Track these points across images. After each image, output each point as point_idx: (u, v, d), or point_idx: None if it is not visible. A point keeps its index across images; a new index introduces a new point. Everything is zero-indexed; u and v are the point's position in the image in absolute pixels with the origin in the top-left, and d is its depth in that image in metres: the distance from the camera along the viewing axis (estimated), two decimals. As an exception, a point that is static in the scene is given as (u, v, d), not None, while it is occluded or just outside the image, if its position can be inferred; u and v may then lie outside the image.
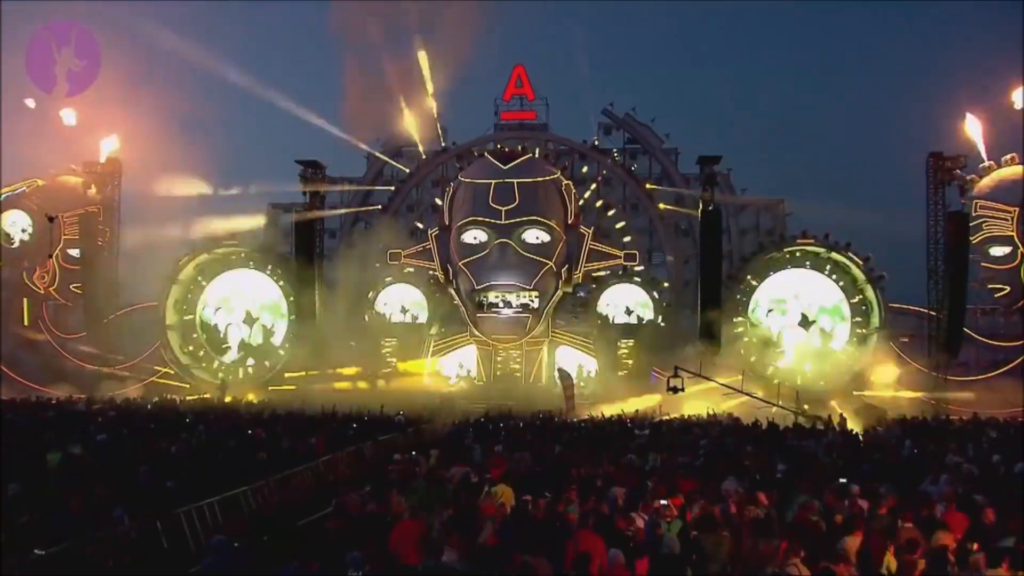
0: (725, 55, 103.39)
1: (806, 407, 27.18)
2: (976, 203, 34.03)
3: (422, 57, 38.12)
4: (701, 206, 35.40)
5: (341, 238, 41.14)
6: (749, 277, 35.96)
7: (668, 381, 27.32)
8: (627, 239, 39.05)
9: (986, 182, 34.36)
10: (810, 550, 7.34)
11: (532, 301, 35.38)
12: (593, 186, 40.01)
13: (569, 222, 36.28)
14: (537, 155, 38.59)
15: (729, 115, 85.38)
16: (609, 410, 28.22)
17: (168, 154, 37.36)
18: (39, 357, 38.40)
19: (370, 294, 38.53)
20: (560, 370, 34.59)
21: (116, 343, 37.47)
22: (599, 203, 39.94)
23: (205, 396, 33.82)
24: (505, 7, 58.40)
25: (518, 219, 34.97)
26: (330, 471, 15.64)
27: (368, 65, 35.70)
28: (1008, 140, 34.97)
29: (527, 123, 41.20)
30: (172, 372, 37.68)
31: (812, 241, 35.71)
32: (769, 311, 36.01)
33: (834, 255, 35.48)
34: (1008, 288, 34.49)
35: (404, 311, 38.82)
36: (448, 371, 37.90)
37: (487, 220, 35.20)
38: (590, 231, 37.15)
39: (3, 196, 38.84)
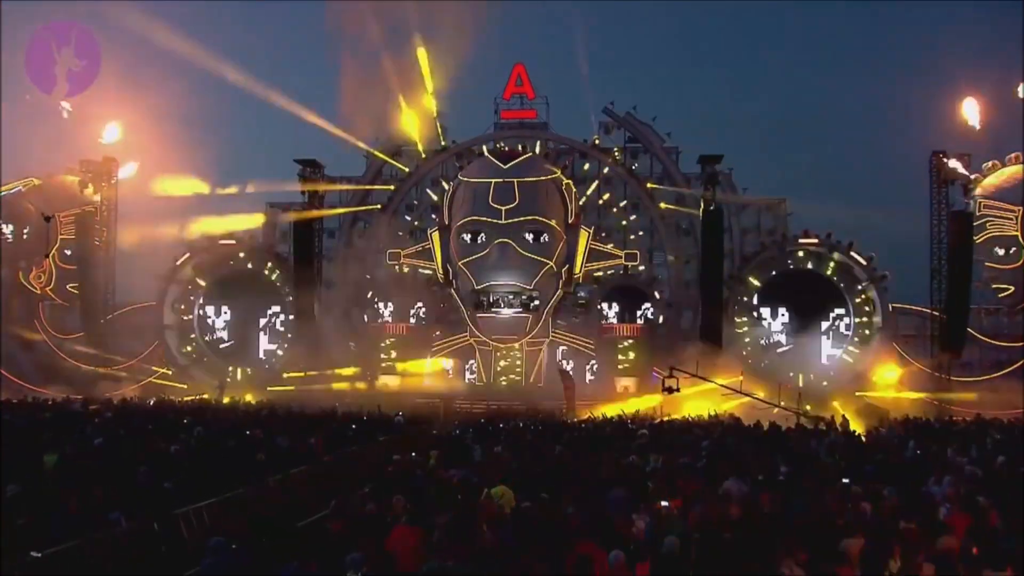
0: (726, 54, 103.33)
1: (808, 408, 27.06)
2: (980, 202, 33.95)
3: (421, 55, 37.99)
4: (702, 205, 35.38)
5: (340, 238, 41.07)
6: (751, 277, 35.92)
7: (663, 381, 27.24)
8: (628, 239, 38.98)
9: (990, 181, 34.28)
10: (812, 552, 7.29)
11: (532, 301, 35.32)
12: (594, 185, 39.94)
13: (569, 222, 36.21)
14: (537, 154, 38.54)
15: (731, 114, 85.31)
16: (610, 410, 28.14)
17: (166, 153, 37.26)
18: (35, 357, 38.33)
19: (369, 294, 38.45)
20: (561, 370, 34.53)
21: (113, 343, 37.40)
22: (600, 202, 39.88)
23: (203, 396, 33.72)
24: (505, 5, 58.26)
25: (518, 219, 34.88)
26: (329, 472, 15.54)
27: (367, 63, 35.58)
28: (1010, 139, 34.95)
29: (527, 122, 41.06)
30: (170, 372, 37.62)
31: (814, 241, 35.68)
32: (771, 311, 35.93)
33: (836, 255, 35.45)
34: (1012, 288, 34.42)
35: (403, 311, 38.76)
36: (447, 372, 37.85)
37: (487, 220, 35.11)
38: (591, 231, 37.10)
39: (0, 195, 38.74)
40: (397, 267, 38.46)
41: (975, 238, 33.36)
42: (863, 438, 20.20)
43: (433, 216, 39.57)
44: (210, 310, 38.97)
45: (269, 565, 7.62)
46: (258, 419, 22.52)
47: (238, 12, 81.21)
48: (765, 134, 75.24)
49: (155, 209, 37.83)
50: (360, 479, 12.81)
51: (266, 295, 38.52)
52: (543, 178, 36.12)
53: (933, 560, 7.25)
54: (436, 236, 37.17)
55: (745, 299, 35.91)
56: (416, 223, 41.16)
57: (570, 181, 37.48)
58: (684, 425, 22.93)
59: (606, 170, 40.21)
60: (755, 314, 35.94)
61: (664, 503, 9.41)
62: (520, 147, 38.29)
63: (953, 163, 33.08)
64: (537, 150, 38.52)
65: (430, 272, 38.02)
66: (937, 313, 33.70)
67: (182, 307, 38.50)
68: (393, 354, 37.96)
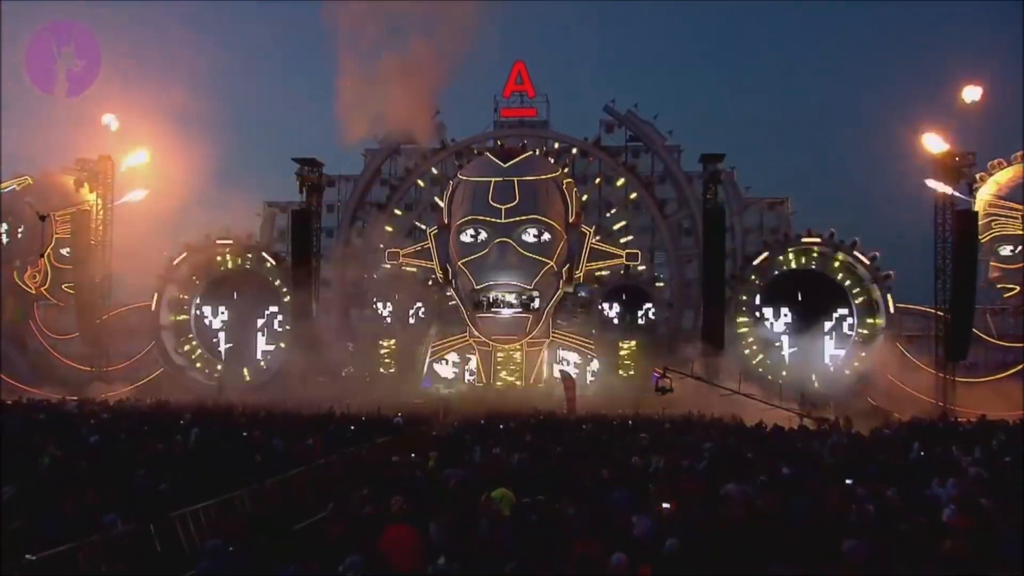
0: (728, 52, 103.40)
1: (811, 408, 26.96)
2: (985, 201, 33.78)
3: (421, 53, 37.85)
4: (704, 205, 35.23)
5: (338, 237, 40.95)
6: (753, 277, 35.78)
7: (656, 382, 27.13)
8: (629, 238, 38.90)
9: (995, 179, 34.13)
10: (814, 553, 7.21)
11: (532, 301, 35.18)
12: (595, 184, 39.84)
13: (570, 221, 36.10)
14: (537, 153, 38.43)
15: (733, 113, 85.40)
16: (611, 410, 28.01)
17: (163, 151, 37.06)
18: (30, 358, 38.18)
19: (367, 294, 38.31)
20: (561, 371, 34.42)
21: (109, 344, 37.21)
22: (601, 201, 39.83)
23: (200, 397, 33.51)
24: (505, 3, 58.13)
25: (518, 218, 34.77)
26: (328, 473, 15.42)
27: (366, 61, 35.44)
28: (1011, 139, 34.85)
29: (527, 120, 41.00)
30: (166, 373, 37.45)
31: (817, 240, 35.52)
32: (773, 311, 35.79)
33: (839, 254, 35.26)
34: (1017, 288, 34.27)
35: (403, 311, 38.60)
36: (447, 372, 37.75)
37: (487, 219, 34.98)
38: (591, 230, 36.98)
39: (-3, 193, 38.61)
40: (396, 266, 38.28)
41: (980, 237, 33.09)
42: (866, 439, 20.09)
43: (432, 215, 39.46)
44: (207, 310, 38.72)
45: (267, 567, 7.52)
46: (256, 420, 22.41)
47: (237, 11, 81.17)
48: (767, 133, 75.27)
49: (152, 208, 37.55)
50: (359, 480, 12.73)
51: (264, 295, 38.28)
52: (543, 177, 36.01)
53: (937, 562, 7.17)
54: (435, 235, 37.03)
55: (747, 299, 35.73)
56: (415, 222, 41.06)
57: (571, 180, 37.37)
58: (686, 425, 22.83)
59: (607, 169, 40.12)
60: (757, 314, 35.74)
61: (665, 505, 9.32)
62: (520, 145, 38.18)
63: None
64: (537, 149, 38.40)
65: (430, 272, 37.86)
66: (942, 313, 33.23)
67: (179, 307, 38.29)
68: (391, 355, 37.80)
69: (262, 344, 38.59)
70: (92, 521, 9.42)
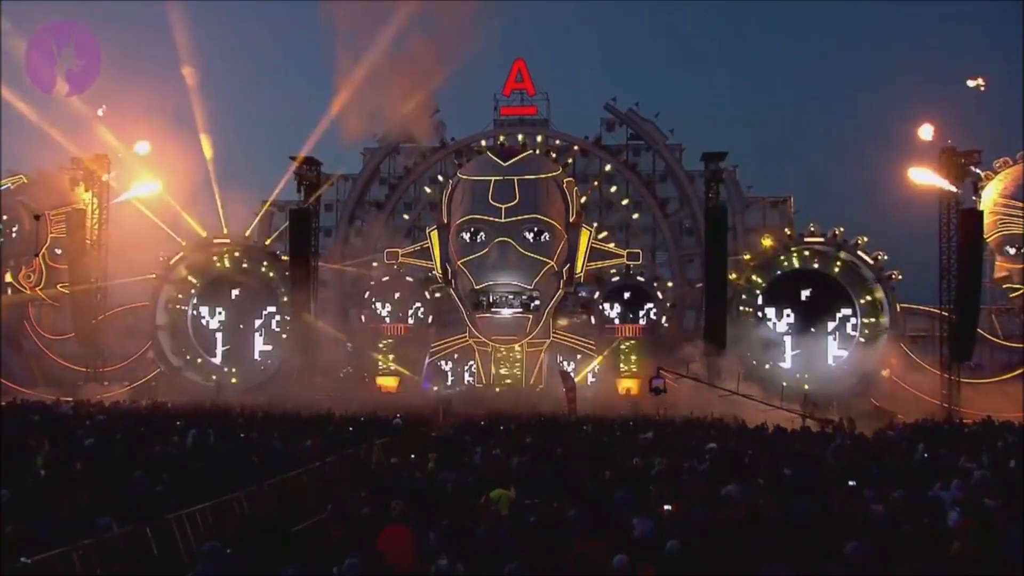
0: (730, 50, 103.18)
1: (813, 409, 26.82)
2: (991, 200, 33.63)
3: (421, 51, 37.73)
4: (706, 204, 35.11)
5: (337, 236, 40.80)
6: (755, 276, 35.64)
7: (651, 383, 26.96)
8: (630, 238, 38.78)
9: (1001, 178, 34.00)
10: (817, 554, 7.18)
11: (532, 301, 35.06)
12: (595, 183, 39.74)
13: (571, 220, 35.93)
14: (538, 152, 38.31)
15: (734, 111, 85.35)
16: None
17: (160, 149, 36.92)
18: (24, 358, 38.02)
19: (366, 294, 38.19)
20: (562, 371, 34.29)
21: (105, 344, 37.05)
22: (602, 200, 39.75)
23: (197, 398, 33.35)
24: (506, 2, 58.07)
25: (518, 217, 34.59)
26: (326, 475, 15.30)
27: (365, 59, 35.30)
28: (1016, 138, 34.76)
29: (527, 118, 40.90)
30: (163, 374, 37.30)
31: (820, 239, 35.35)
32: (775, 311, 35.65)
33: (843, 254, 35.09)
34: (1023, 288, 34.13)
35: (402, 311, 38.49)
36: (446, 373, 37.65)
37: (487, 218, 34.81)
38: (592, 229, 36.87)
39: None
40: (395, 266, 38.14)
41: (985, 236, 32.91)
42: (870, 441, 19.98)
43: (431, 214, 39.34)
44: (204, 310, 38.51)
45: (265, 570, 7.48)
46: (254, 421, 22.29)
47: (237, 10, 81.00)
48: (770, 132, 75.21)
49: (148, 207, 37.40)
50: (358, 482, 12.64)
51: (261, 295, 38.11)
52: (544, 176, 35.86)
53: (941, 564, 7.14)
54: (435, 235, 36.90)
55: (749, 299, 35.57)
56: (415, 222, 40.90)
57: (571, 179, 37.24)
58: (688, 426, 22.74)
59: (608, 167, 40.00)
60: (759, 314, 35.57)
61: (667, 506, 9.34)
62: (520, 144, 38.07)
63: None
64: (537, 148, 38.29)
65: (429, 272, 37.75)
66: (946, 313, 32.88)
67: (175, 307, 38.10)
68: (391, 355, 37.70)
69: (260, 344, 38.40)
70: (87, 523, 9.32)
